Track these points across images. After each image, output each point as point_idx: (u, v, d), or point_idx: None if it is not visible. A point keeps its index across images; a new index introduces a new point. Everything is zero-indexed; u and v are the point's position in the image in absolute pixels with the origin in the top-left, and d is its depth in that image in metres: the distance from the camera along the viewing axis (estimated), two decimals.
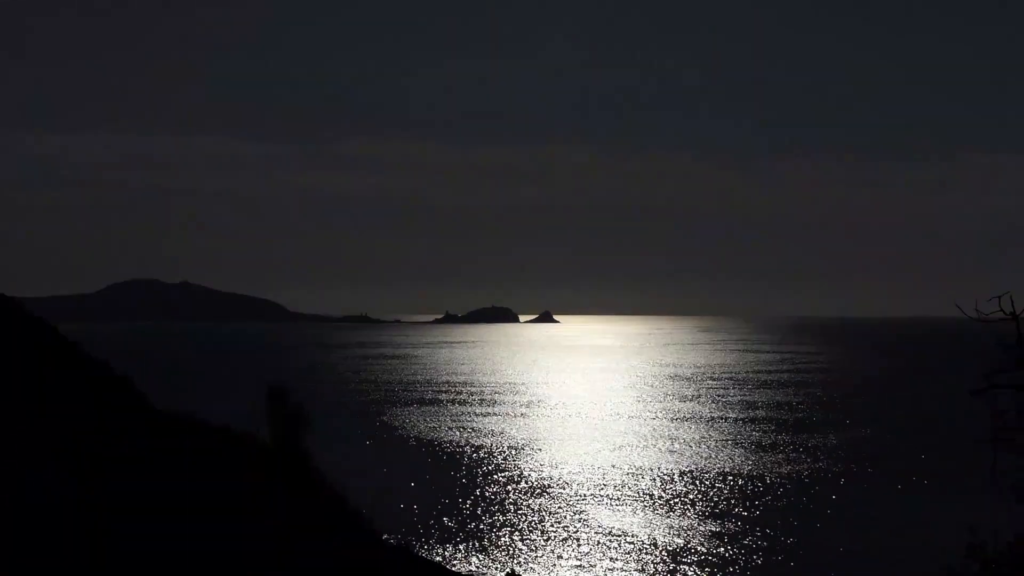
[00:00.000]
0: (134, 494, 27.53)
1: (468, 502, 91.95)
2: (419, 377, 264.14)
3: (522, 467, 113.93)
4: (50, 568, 23.98)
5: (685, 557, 70.19)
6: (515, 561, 69.65)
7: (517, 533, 78.68)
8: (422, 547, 68.14)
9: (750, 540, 74.47)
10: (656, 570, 67.00)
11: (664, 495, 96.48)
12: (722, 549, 72.11)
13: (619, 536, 77.26)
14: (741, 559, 69.30)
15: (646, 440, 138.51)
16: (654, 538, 76.13)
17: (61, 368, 33.09)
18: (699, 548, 72.51)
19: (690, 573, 66.05)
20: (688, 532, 78.47)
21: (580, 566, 68.62)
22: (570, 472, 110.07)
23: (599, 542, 75.44)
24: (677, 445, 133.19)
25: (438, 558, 64.50)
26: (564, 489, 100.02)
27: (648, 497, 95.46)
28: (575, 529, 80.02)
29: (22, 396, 30.63)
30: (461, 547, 72.60)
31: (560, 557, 71.10)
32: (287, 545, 26.45)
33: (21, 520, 24.85)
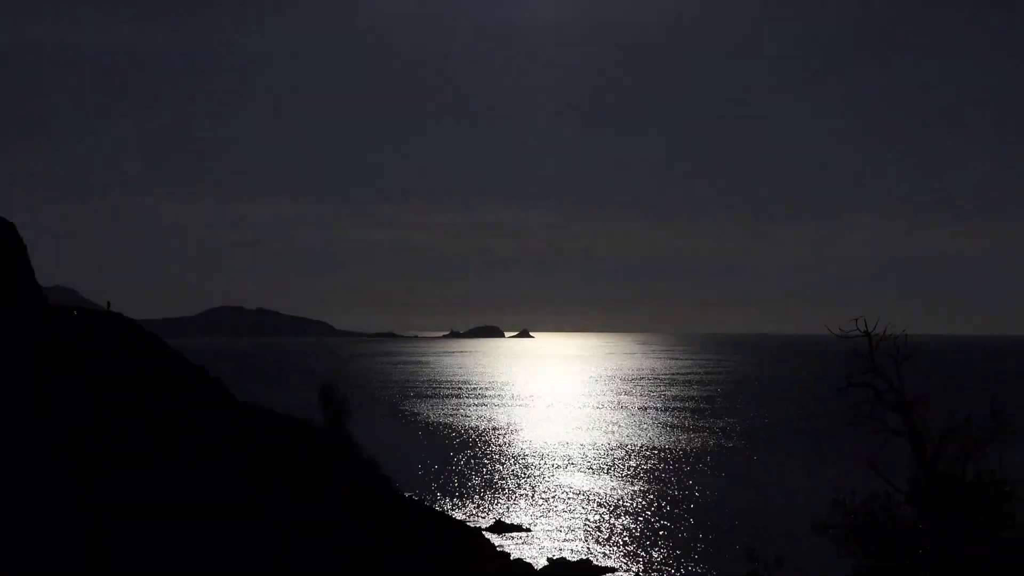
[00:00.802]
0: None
1: (466, 463, 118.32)
2: (431, 377, 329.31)
3: (501, 439, 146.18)
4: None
5: (619, 504, 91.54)
6: (499, 507, 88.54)
7: (501, 488, 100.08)
8: (433, 498, 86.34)
9: (668, 495, 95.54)
10: (597, 513, 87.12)
11: (604, 460, 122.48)
12: (646, 501, 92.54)
13: (576, 490, 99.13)
14: (662, 507, 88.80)
15: (592, 420, 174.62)
16: (598, 491, 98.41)
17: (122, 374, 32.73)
18: (631, 500, 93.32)
19: (622, 516, 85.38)
20: (622, 487, 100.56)
21: (548, 511, 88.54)
22: (538, 443, 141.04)
23: (561, 496, 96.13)
24: (615, 424, 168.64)
25: (443, 507, 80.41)
26: (531, 453, 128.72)
27: (592, 461, 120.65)
28: (543, 486, 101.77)
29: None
30: (459, 497, 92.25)
31: (534, 505, 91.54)
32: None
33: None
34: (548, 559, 66.72)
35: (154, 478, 26.75)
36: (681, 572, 64.30)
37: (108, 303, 46.96)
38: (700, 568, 64.63)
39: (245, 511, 26.74)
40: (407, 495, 41.75)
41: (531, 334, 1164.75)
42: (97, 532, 23.55)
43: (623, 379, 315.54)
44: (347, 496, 32.00)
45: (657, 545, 72.49)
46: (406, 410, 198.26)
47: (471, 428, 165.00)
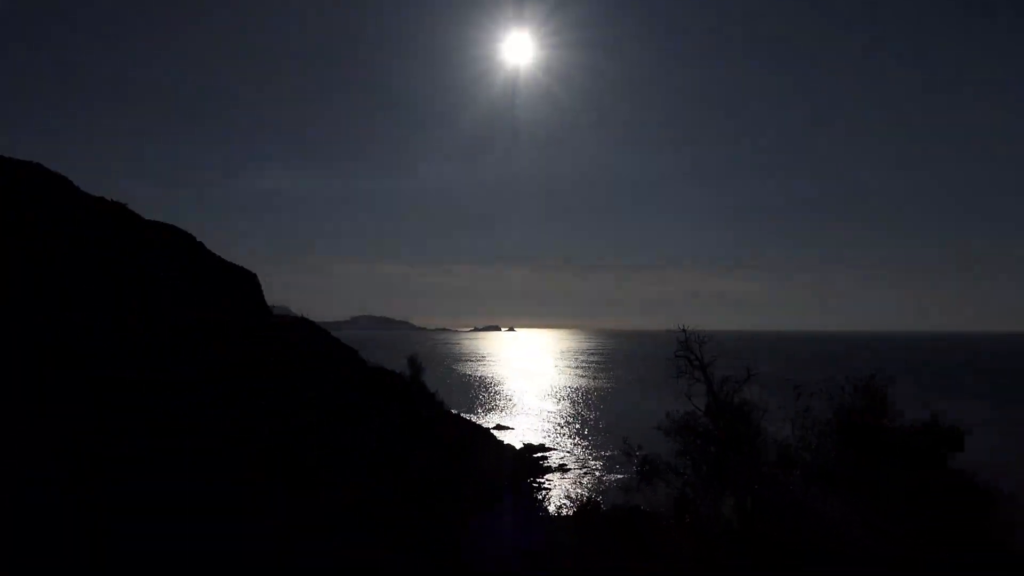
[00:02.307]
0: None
1: (482, 392, 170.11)
2: (460, 352, 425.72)
3: (498, 382, 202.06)
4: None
5: (562, 418, 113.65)
6: (497, 415, 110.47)
7: (499, 403, 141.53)
8: (464, 407, 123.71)
9: (587, 412, 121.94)
10: (550, 422, 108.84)
11: (552, 394, 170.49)
12: (574, 416, 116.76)
13: (539, 408, 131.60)
14: (582, 419, 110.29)
15: (547, 373, 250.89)
16: (551, 409, 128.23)
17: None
18: (567, 416, 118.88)
19: (563, 424, 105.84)
20: (563, 409, 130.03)
21: (524, 419, 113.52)
22: (517, 383, 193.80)
23: (532, 411, 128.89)
24: (559, 375, 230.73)
25: (464, 411, 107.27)
26: (513, 388, 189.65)
27: (546, 394, 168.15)
28: (522, 405, 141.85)
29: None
30: (474, 406, 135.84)
31: (517, 415, 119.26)
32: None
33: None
34: (522, 443, 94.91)
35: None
36: (592, 452, 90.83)
37: None
38: (602, 449, 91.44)
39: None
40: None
41: (515, 329, 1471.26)
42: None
43: (569, 352, 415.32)
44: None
45: (579, 438, 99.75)
46: (447, 368, 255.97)
47: (484, 376, 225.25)
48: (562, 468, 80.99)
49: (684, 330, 30.56)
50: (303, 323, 56.12)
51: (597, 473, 78.39)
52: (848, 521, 25.52)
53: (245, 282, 52.23)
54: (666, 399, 32.32)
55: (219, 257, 51.48)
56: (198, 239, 50.67)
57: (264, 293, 54.29)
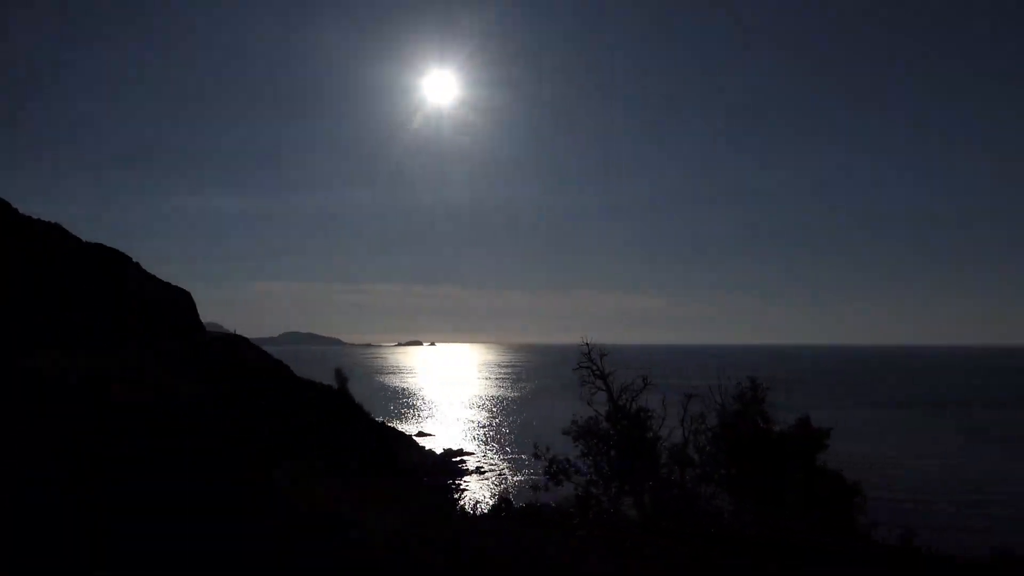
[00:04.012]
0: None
1: (404, 402, 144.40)
2: (384, 365, 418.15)
3: (421, 392, 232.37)
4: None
5: (480, 422, 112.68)
6: (420, 423, 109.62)
7: (421, 412, 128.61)
8: (389, 418, 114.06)
9: (502, 415, 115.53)
10: (468, 427, 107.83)
11: (469, 401, 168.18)
12: (489, 420, 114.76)
13: (458, 416, 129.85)
14: (497, 422, 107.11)
15: (466, 382, 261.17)
16: (471, 417, 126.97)
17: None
18: (485, 420, 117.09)
19: (480, 427, 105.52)
20: (480, 415, 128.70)
21: (445, 426, 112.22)
22: (436, 391, 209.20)
23: (452, 419, 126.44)
24: (478, 384, 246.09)
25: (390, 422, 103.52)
26: (434, 397, 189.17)
27: (464, 402, 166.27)
28: (445, 412, 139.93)
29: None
30: (400, 417, 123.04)
31: (439, 423, 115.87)
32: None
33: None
34: (442, 448, 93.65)
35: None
36: (506, 455, 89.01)
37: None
38: (515, 453, 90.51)
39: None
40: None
41: (436, 343, 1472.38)
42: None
43: (486, 365, 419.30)
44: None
45: (495, 443, 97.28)
46: (373, 381, 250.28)
47: (407, 387, 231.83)
48: (479, 471, 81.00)
49: (587, 344, 31.25)
50: (238, 339, 55.20)
51: (510, 474, 78.70)
52: (736, 514, 26.36)
53: (180, 300, 50.95)
54: (572, 406, 32.87)
55: (154, 276, 50.19)
56: (133, 259, 49.28)
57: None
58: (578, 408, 31.31)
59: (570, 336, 32.93)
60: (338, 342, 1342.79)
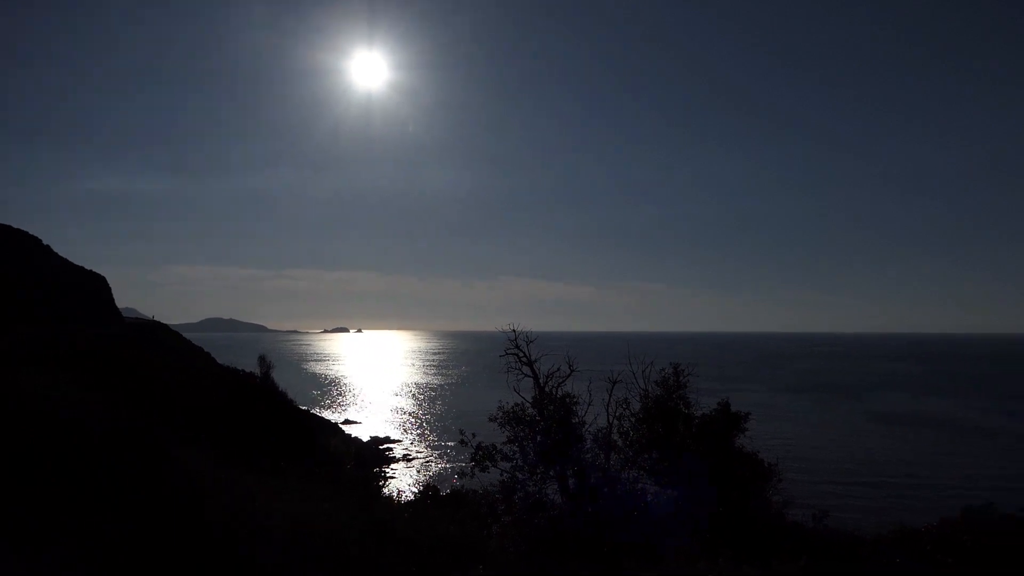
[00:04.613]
0: None
1: (329, 389, 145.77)
2: (310, 352, 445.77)
3: (349, 379, 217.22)
4: None
5: (406, 409, 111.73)
6: (347, 411, 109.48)
7: (350, 400, 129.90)
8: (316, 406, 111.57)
9: (429, 403, 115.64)
10: (396, 413, 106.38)
11: (396, 388, 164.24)
12: (416, 407, 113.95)
13: (386, 404, 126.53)
14: (425, 409, 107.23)
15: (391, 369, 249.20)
16: (398, 404, 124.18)
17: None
18: (411, 407, 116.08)
19: (407, 414, 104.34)
20: (409, 403, 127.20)
21: (371, 414, 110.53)
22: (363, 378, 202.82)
23: (379, 406, 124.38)
24: (401, 371, 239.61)
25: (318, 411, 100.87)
26: (361, 383, 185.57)
27: (391, 388, 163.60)
28: (373, 400, 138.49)
29: None
30: (327, 405, 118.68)
31: (364, 410, 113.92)
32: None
33: None
34: (369, 436, 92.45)
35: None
36: (434, 442, 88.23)
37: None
38: (443, 439, 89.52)
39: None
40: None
41: (362, 330, 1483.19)
42: None
43: (414, 352, 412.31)
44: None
45: (422, 430, 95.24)
46: (299, 368, 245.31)
47: (333, 375, 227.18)
48: (406, 458, 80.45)
49: (514, 330, 31.08)
50: (156, 325, 53.12)
51: (437, 461, 78.41)
52: (658, 498, 26.72)
53: (94, 284, 48.75)
54: (498, 393, 32.73)
55: (67, 260, 47.87)
56: (44, 242, 46.82)
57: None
58: (504, 394, 31.17)
59: (497, 323, 32.62)
60: (262, 329, 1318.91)
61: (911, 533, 21.16)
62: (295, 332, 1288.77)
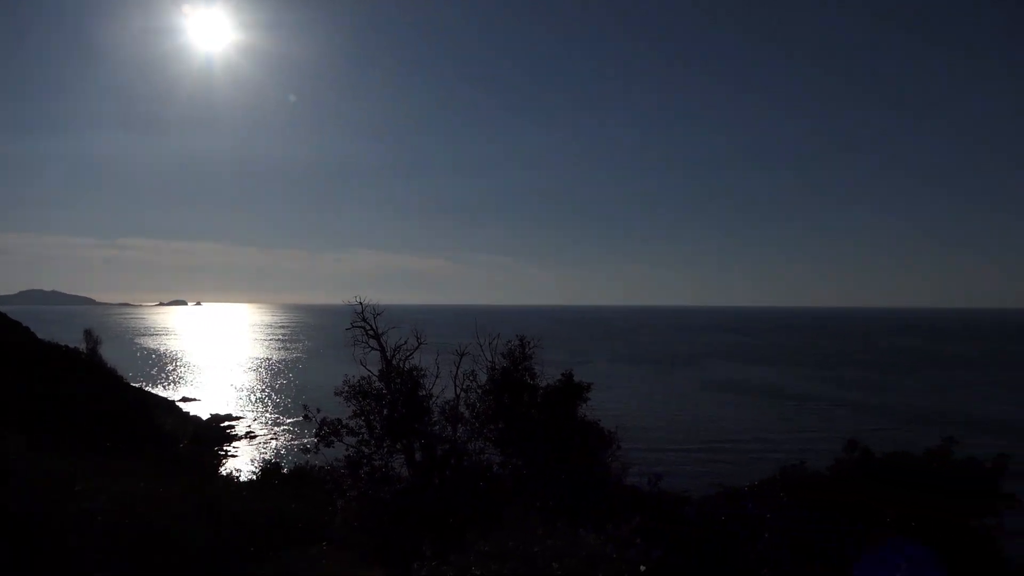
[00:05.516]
0: None
1: (172, 366, 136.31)
2: (144, 327, 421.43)
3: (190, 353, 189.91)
4: None
5: (251, 385, 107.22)
6: (185, 388, 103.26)
7: (190, 376, 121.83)
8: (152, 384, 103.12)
9: (270, 375, 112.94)
10: (236, 390, 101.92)
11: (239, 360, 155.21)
12: (269, 379, 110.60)
13: (227, 380, 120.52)
14: (268, 381, 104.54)
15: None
16: (243, 382, 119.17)
17: None
18: (261, 381, 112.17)
19: (254, 390, 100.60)
20: (257, 377, 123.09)
21: (212, 392, 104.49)
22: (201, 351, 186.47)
23: (217, 385, 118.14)
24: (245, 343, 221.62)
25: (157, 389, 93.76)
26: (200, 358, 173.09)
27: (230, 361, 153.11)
28: (213, 377, 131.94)
29: None
30: (164, 383, 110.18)
31: (204, 388, 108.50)
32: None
33: None
34: (209, 413, 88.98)
35: None
36: (278, 418, 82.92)
37: None
38: (287, 416, 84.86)
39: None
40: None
41: (202, 303, 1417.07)
42: None
43: (257, 326, 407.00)
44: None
45: (266, 406, 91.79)
46: (138, 342, 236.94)
47: (170, 350, 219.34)
48: (249, 435, 77.77)
49: (360, 303, 30.57)
50: None
51: (282, 438, 76.37)
52: (503, 468, 27.20)
53: None
54: (344, 367, 32.13)
55: None
56: None
57: None
58: (351, 369, 30.64)
59: (346, 296, 31.91)
60: (89, 301, 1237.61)
61: (734, 492, 22.71)
62: (127, 305, 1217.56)
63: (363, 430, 27.53)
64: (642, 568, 9.18)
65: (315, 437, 28.45)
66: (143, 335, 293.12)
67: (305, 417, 30.71)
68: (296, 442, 70.40)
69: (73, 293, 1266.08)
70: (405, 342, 31.84)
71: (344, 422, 28.04)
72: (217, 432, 76.79)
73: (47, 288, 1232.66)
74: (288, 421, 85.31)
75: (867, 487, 20.00)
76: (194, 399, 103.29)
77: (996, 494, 20.03)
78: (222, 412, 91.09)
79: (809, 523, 18.57)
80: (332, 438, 27.98)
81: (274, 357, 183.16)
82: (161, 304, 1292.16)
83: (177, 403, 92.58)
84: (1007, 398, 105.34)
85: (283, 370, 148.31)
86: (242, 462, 61.89)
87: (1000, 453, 21.06)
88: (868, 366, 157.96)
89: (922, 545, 15.72)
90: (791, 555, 17.47)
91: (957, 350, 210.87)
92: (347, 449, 27.50)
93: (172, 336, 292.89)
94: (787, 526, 18.56)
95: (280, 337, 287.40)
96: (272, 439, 75.98)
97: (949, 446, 21.09)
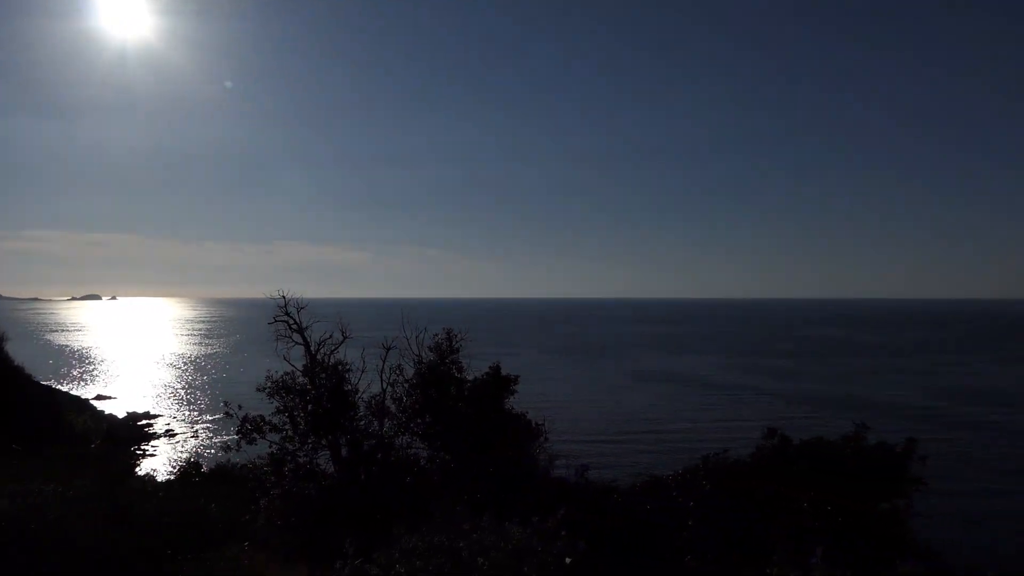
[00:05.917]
0: None
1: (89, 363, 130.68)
2: (55, 322, 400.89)
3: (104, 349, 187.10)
4: None
5: (172, 383, 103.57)
6: (99, 386, 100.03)
7: (105, 372, 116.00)
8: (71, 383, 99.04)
9: (199, 371, 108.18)
10: (156, 388, 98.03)
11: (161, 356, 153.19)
12: (195, 378, 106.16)
13: (146, 377, 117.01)
14: (198, 378, 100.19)
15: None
16: (166, 381, 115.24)
17: None
18: (183, 379, 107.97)
19: (174, 386, 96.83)
20: (183, 374, 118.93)
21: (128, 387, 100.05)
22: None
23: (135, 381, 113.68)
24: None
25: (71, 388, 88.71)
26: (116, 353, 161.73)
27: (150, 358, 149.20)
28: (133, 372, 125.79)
29: None
30: (77, 381, 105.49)
31: (120, 384, 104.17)
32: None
33: None
34: (125, 411, 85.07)
35: None
36: (198, 416, 78.23)
37: None
38: (208, 413, 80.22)
39: None
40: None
41: (116, 297, 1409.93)
42: None
43: (176, 321, 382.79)
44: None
45: (185, 404, 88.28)
46: (48, 338, 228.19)
47: (82, 346, 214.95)
48: (168, 434, 75.37)
49: (283, 296, 29.98)
50: None
51: (202, 436, 74.31)
52: (430, 462, 27.05)
53: None
54: (267, 362, 31.44)
55: None
56: None
57: None
58: (274, 363, 30.01)
59: (266, 289, 31.17)
60: None
61: (659, 481, 23.11)
62: (36, 300, 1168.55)
63: (287, 426, 27.01)
64: (568, 560, 9.22)
65: (237, 434, 27.76)
66: (54, 331, 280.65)
67: (227, 414, 29.94)
68: (217, 440, 68.66)
69: None
70: (330, 336, 31.41)
71: (267, 419, 27.46)
72: (134, 431, 74.16)
73: None
74: (209, 418, 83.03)
75: (785, 473, 20.62)
76: (109, 397, 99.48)
77: (905, 477, 20.91)
78: (139, 410, 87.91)
79: (731, 511, 19.05)
80: (255, 435, 27.37)
81: (194, 353, 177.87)
82: (73, 299, 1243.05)
83: (91, 401, 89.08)
84: (914, 383, 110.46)
85: (204, 366, 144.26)
86: (160, 461, 59.95)
87: (909, 437, 21.97)
88: (787, 355, 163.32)
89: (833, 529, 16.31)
90: (714, 543, 17.89)
91: (873, 339, 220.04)
92: (271, 446, 26.95)
93: (85, 332, 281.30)
94: (710, 514, 18.99)
95: (201, 332, 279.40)
96: (192, 437, 73.84)
97: (862, 432, 21.89)
